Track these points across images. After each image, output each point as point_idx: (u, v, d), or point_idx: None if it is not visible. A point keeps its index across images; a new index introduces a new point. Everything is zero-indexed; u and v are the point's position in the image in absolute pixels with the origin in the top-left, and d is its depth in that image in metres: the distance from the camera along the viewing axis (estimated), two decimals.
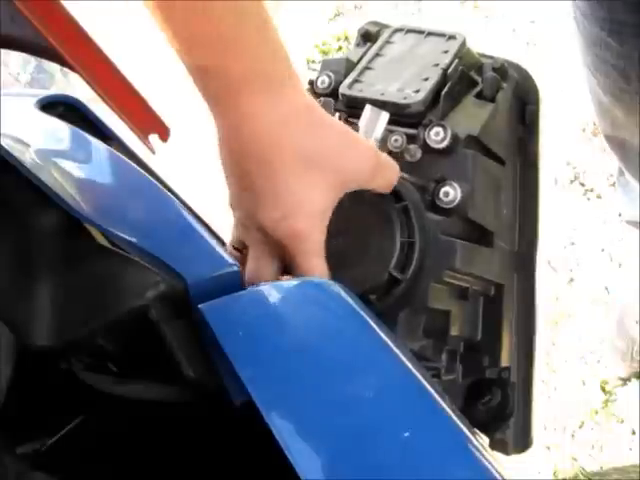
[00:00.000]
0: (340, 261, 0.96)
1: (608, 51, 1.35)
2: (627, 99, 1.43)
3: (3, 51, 0.85)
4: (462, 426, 0.69)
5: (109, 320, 0.75)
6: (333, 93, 1.17)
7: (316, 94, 1.19)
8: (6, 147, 0.78)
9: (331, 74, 1.18)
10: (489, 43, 2.46)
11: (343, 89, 1.16)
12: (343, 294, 0.80)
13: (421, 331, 1.08)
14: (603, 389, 1.96)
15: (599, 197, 2.16)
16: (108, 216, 0.79)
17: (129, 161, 0.96)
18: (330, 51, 2.82)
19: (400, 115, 1.12)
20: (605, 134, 1.62)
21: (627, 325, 1.93)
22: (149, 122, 0.88)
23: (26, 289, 0.78)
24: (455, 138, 1.09)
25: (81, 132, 0.99)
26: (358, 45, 1.28)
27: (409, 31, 1.23)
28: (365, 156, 0.92)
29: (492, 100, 1.17)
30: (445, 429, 0.70)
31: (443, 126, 1.09)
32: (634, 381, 1.95)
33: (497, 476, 0.64)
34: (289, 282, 0.87)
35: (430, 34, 1.21)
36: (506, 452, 1.16)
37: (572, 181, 2.21)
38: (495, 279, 1.15)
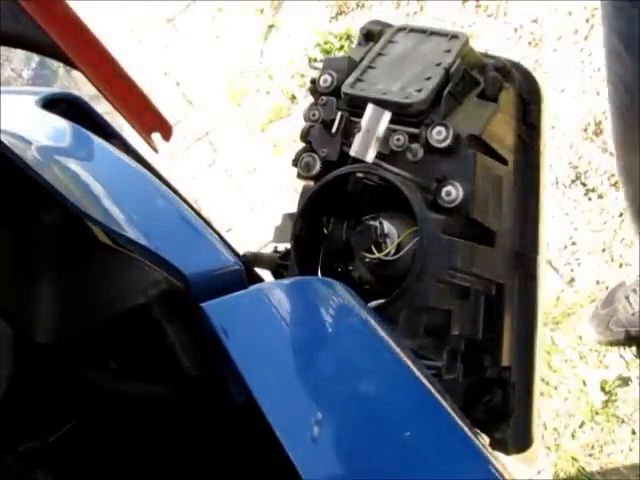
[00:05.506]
0: None
1: (620, 64, 1.32)
2: (629, 118, 1.40)
3: (5, 48, 0.85)
4: (463, 425, 0.69)
5: (110, 318, 0.75)
6: (335, 92, 1.17)
7: (318, 93, 1.19)
8: (8, 145, 0.77)
9: (333, 73, 1.18)
10: (491, 43, 2.45)
11: (345, 88, 1.16)
12: (344, 293, 0.80)
13: (422, 330, 1.08)
14: (603, 389, 1.96)
15: (600, 197, 2.15)
16: (110, 214, 0.79)
17: (131, 159, 0.96)
18: (332, 50, 2.81)
19: (402, 114, 1.11)
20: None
21: (617, 296, 1.92)
22: (152, 121, 0.87)
23: (28, 286, 0.78)
24: (457, 137, 1.09)
25: (83, 130, 0.98)
26: (360, 44, 1.27)
27: (411, 30, 1.23)
28: None
29: (494, 100, 1.17)
30: (446, 428, 0.70)
31: (445, 125, 1.09)
32: (634, 381, 1.95)
33: (498, 476, 0.65)
34: (290, 281, 0.87)
35: (433, 33, 1.21)
36: (506, 452, 1.16)
37: (573, 181, 2.20)
38: (496, 278, 1.15)
